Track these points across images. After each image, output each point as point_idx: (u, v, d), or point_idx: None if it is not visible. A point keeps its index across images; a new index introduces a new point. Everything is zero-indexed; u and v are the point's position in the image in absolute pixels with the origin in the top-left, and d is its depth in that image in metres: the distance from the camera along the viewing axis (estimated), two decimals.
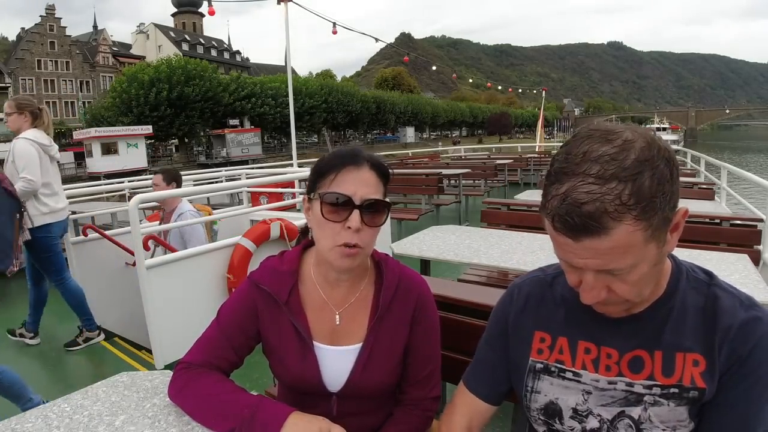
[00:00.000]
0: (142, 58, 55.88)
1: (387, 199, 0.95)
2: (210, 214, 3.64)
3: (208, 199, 8.08)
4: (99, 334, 3.43)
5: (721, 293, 0.75)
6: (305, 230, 1.06)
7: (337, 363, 0.99)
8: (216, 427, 0.88)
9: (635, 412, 0.76)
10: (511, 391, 0.94)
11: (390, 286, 1.00)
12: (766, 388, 0.71)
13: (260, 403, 0.88)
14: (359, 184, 0.91)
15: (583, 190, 0.62)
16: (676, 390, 0.74)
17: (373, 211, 0.92)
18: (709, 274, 0.79)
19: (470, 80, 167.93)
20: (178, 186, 3.41)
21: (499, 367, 0.93)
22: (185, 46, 61.25)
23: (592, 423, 0.79)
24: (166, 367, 2.64)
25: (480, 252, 2.34)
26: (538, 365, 0.86)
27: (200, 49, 63.46)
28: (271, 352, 1.02)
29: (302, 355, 0.98)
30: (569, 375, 0.82)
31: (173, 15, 77.09)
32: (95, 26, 68.89)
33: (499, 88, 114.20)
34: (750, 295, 0.76)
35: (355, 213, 0.89)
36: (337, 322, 1.00)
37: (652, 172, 0.62)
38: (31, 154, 2.95)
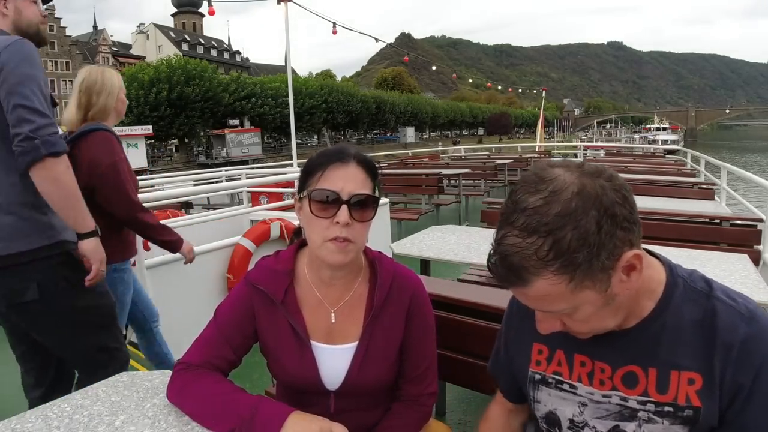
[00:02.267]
0: (142, 58, 55.88)
1: (377, 194, 0.96)
2: None
3: (208, 199, 8.08)
4: None
5: (720, 306, 0.71)
6: (298, 230, 1.07)
7: (334, 361, 0.99)
8: (216, 427, 0.87)
9: (630, 427, 0.75)
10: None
11: (384, 283, 1.01)
12: None
13: (260, 403, 0.88)
14: (346, 179, 0.91)
15: (508, 242, 0.64)
16: (671, 408, 0.72)
17: (362, 206, 0.92)
18: (709, 284, 0.75)
19: (470, 80, 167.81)
20: None
21: (512, 377, 0.95)
22: (185, 46, 61.25)
23: None
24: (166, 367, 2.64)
25: (480, 252, 2.34)
26: (537, 376, 0.86)
27: (200, 49, 63.45)
28: (268, 352, 1.02)
29: (299, 354, 0.98)
30: (566, 387, 0.82)
31: (173, 15, 77.08)
32: (95, 26, 68.90)
33: (499, 88, 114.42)
34: (750, 304, 0.72)
35: (344, 208, 0.90)
36: (333, 321, 1.01)
37: (574, 226, 0.61)
38: None
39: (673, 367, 0.72)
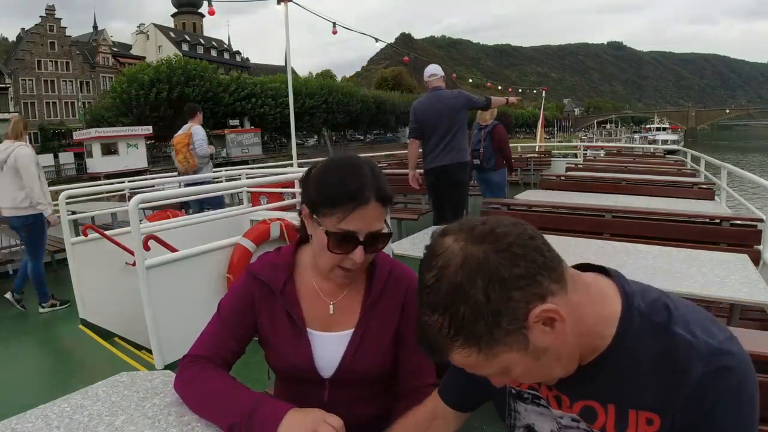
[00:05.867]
0: (142, 58, 55.86)
1: (388, 221, 1.00)
2: None
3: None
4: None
5: (678, 342, 0.66)
6: (299, 228, 1.09)
7: (329, 348, 1.03)
8: (217, 421, 0.90)
9: None
10: (481, 403, 0.93)
11: (381, 275, 1.05)
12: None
13: (261, 399, 0.92)
14: (365, 221, 0.93)
15: (422, 320, 0.65)
16: None
17: (376, 242, 0.96)
18: (670, 314, 0.68)
19: (470, 80, 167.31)
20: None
21: (471, 384, 0.89)
22: (185, 47, 61.23)
23: None
24: (166, 367, 2.64)
25: None
26: (513, 390, 0.85)
27: (200, 50, 63.40)
28: (266, 342, 1.06)
29: (295, 340, 1.02)
30: (543, 403, 0.80)
31: (173, 15, 77.09)
32: (95, 26, 68.81)
33: (499, 88, 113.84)
34: (712, 339, 0.66)
35: (359, 249, 0.94)
36: (331, 312, 1.05)
37: (464, 300, 0.60)
38: None
39: (630, 406, 0.69)
